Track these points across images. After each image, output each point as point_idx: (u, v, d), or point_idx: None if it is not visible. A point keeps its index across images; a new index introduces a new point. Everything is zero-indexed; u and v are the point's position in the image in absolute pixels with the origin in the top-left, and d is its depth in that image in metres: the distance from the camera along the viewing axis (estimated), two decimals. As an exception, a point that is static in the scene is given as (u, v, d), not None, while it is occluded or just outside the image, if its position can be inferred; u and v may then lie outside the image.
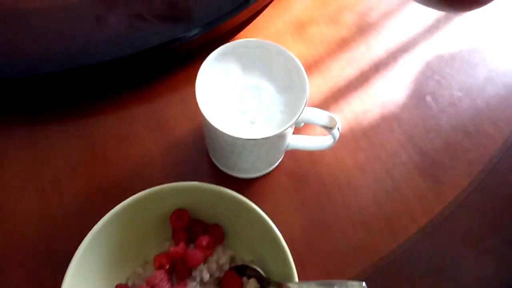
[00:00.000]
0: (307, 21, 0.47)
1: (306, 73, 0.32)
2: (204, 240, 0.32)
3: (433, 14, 0.48)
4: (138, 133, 0.40)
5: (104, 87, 0.42)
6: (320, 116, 0.31)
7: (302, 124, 0.32)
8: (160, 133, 0.41)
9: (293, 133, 0.35)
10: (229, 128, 0.30)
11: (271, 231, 0.30)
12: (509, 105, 0.43)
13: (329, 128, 0.31)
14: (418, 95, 0.43)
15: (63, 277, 0.28)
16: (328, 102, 0.43)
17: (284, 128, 0.29)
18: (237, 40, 0.33)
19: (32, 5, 0.42)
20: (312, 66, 0.45)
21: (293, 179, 0.39)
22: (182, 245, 0.32)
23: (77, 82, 0.41)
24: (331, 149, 0.36)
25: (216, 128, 0.29)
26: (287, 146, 0.36)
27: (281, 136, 0.31)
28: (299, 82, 0.31)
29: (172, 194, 0.32)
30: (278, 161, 0.38)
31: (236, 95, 0.31)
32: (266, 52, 0.33)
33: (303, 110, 0.30)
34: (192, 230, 0.33)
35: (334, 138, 0.33)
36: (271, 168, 0.38)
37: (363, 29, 0.47)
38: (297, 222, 0.37)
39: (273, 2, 0.48)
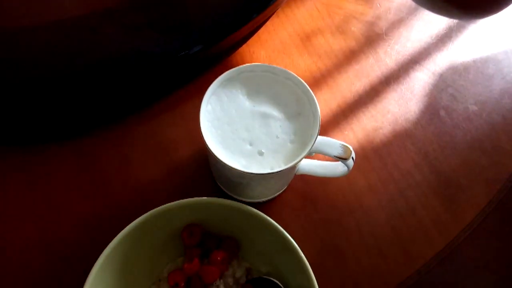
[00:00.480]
0: (313, 32, 0.46)
1: (313, 87, 0.31)
2: (219, 256, 0.31)
3: (445, 22, 0.47)
4: (138, 155, 0.39)
5: (101, 107, 0.41)
6: (333, 147, 0.30)
7: (314, 153, 0.31)
8: (161, 154, 0.39)
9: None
10: (236, 162, 0.28)
11: (288, 243, 0.30)
12: (527, 119, 0.42)
13: (343, 159, 0.30)
14: (431, 110, 0.42)
15: None
16: (337, 118, 0.41)
17: (296, 161, 0.28)
18: (243, 65, 0.31)
19: (18, 24, 0.41)
20: (319, 80, 0.43)
21: (303, 200, 0.38)
22: (196, 261, 0.31)
23: (73, 103, 0.40)
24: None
25: (223, 162, 0.28)
26: (296, 171, 0.34)
27: (292, 168, 0.30)
28: (309, 108, 0.30)
29: (183, 210, 0.31)
30: (287, 186, 0.37)
31: (243, 124, 0.30)
32: (273, 77, 0.31)
33: (314, 141, 0.28)
34: (206, 244, 0.32)
35: (348, 168, 0.31)
36: (279, 193, 0.37)
37: (371, 40, 0.46)
38: (307, 247, 0.35)
39: (276, 12, 0.47)
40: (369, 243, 0.36)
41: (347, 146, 0.30)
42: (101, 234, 0.31)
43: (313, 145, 0.29)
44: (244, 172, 0.28)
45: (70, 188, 0.37)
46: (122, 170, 0.38)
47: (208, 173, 0.38)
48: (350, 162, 0.30)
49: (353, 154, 0.31)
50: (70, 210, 0.36)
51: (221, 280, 0.31)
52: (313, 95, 0.30)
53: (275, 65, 0.31)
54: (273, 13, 0.46)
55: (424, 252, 0.36)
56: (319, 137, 0.30)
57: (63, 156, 0.39)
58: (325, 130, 0.41)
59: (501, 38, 0.46)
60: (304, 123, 0.30)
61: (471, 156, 0.40)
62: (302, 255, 0.29)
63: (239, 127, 0.30)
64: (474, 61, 0.44)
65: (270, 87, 0.31)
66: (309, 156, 0.31)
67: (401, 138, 0.40)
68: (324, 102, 0.42)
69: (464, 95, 0.43)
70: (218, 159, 0.28)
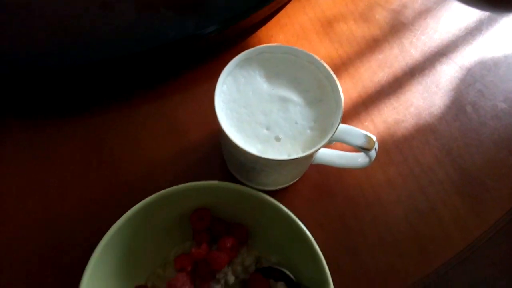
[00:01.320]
0: (335, 18, 0.45)
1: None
2: (228, 242, 0.30)
3: (476, 14, 0.45)
4: (149, 135, 0.38)
5: (111, 85, 0.40)
6: (356, 136, 0.29)
7: (334, 142, 0.30)
8: (172, 135, 0.38)
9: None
10: (251, 146, 0.27)
11: (301, 233, 0.29)
12: (559, 119, 0.40)
13: (366, 150, 0.29)
14: (457, 105, 0.41)
15: (70, 282, 0.27)
16: (357, 109, 0.40)
17: (315, 149, 0.27)
18: (262, 45, 0.30)
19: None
20: (340, 68, 0.42)
21: (317, 192, 0.37)
22: (204, 246, 0.30)
23: (82, 79, 0.39)
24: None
25: (237, 146, 0.27)
26: (313, 160, 0.34)
27: (309, 156, 0.29)
28: (331, 95, 0.29)
29: (193, 193, 0.30)
30: (302, 175, 0.36)
31: (260, 108, 0.29)
32: (294, 60, 0.30)
33: (336, 129, 0.27)
34: (215, 230, 0.32)
35: (370, 159, 0.30)
36: (293, 181, 0.36)
37: (396, 29, 0.44)
38: (321, 240, 0.34)
39: (298, -4, 0.46)
40: (386, 240, 0.35)
41: (370, 136, 0.29)
42: (106, 214, 0.30)
43: (334, 133, 0.28)
44: (259, 157, 0.27)
45: (77, 166, 0.37)
46: (130, 149, 0.38)
47: (219, 158, 0.37)
48: (373, 153, 0.29)
49: (376, 145, 0.29)
50: (75, 188, 0.36)
51: (230, 267, 0.30)
52: (336, 81, 0.29)
53: (297, 47, 0.30)
54: (294, -3, 0.45)
55: (443, 252, 0.35)
56: (341, 125, 0.29)
57: (71, 133, 0.38)
58: (344, 119, 0.39)
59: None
60: (326, 110, 0.29)
61: (498, 155, 0.38)
62: (316, 245, 0.29)
63: (255, 110, 0.29)
64: (505, 56, 0.43)
65: (291, 70, 0.30)
66: (328, 144, 0.30)
67: (424, 132, 0.39)
68: (345, 91, 0.40)
69: (493, 91, 0.41)
70: (233, 142, 0.27)
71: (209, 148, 0.38)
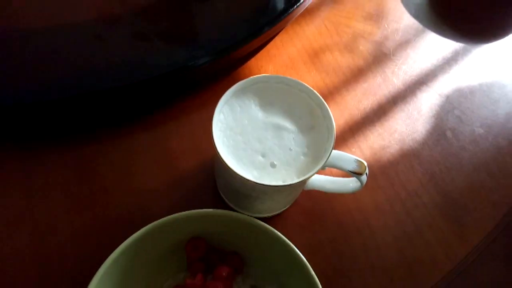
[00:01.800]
0: (321, 49, 0.47)
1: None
2: (224, 271, 0.30)
3: (451, 45, 0.48)
4: (141, 164, 0.39)
5: (104, 115, 0.41)
6: (347, 161, 0.30)
7: (326, 168, 0.31)
8: (164, 165, 0.39)
9: None
10: (248, 173, 0.28)
11: (296, 258, 0.29)
12: (532, 144, 0.43)
13: (357, 174, 0.30)
14: (438, 131, 0.43)
15: None
16: (344, 136, 0.42)
17: (309, 174, 0.28)
18: (257, 76, 0.32)
19: (28, 25, 0.41)
20: (327, 97, 0.44)
21: (309, 218, 0.38)
22: (200, 277, 0.30)
23: (75, 110, 0.40)
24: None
25: (235, 173, 0.28)
26: (306, 186, 0.35)
27: (303, 182, 0.30)
28: (323, 122, 0.31)
29: (187, 222, 0.31)
30: (294, 201, 0.38)
31: (255, 135, 0.30)
32: (287, 89, 0.32)
33: (329, 155, 0.29)
34: (209, 259, 0.32)
35: (362, 183, 0.31)
36: (285, 208, 0.37)
37: (379, 60, 0.47)
38: (312, 265, 0.35)
39: (285, 28, 0.48)
40: (376, 265, 0.36)
41: (361, 161, 0.31)
42: (99, 247, 0.30)
43: (327, 159, 0.29)
44: (256, 183, 0.28)
45: (68, 198, 0.36)
46: (122, 180, 0.38)
47: (212, 186, 0.38)
48: (364, 177, 0.31)
49: (367, 170, 0.31)
50: (67, 220, 0.35)
51: (226, 297, 0.31)
52: (328, 108, 0.31)
53: (289, 76, 0.32)
54: (282, 29, 0.48)
55: (431, 275, 0.36)
56: (333, 151, 0.30)
57: (63, 164, 0.38)
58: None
59: (506, 63, 0.48)
60: (318, 137, 0.30)
61: (478, 178, 0.41)
62: (311, 270, 0.29)
63: (251, 138, 0.30)
64: (480, 85, 0.46)
65: (284, 99, 0.32)
66: (321, 170, 0.32)
67: (408, 157, 0.41)
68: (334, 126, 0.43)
69: (470, 117, 0.44)
70: (231, 169, 0.28)
71: (202, 177, 0.39)
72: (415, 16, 0.50)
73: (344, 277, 0.35)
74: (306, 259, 0.35)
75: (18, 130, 0.39)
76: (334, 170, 0.37)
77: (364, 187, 0.39)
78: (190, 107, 0.42)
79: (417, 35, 0.49)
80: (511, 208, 0.39)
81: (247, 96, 0.32)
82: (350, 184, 0.33)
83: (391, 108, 0.44)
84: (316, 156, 0.30)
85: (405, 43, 0.48)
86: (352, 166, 0.30)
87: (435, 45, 0.48)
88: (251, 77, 0.32)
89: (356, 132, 0.42)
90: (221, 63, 0.43)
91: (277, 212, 0.37)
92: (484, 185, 0.40)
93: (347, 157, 0.31)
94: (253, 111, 0.31)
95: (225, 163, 0.28)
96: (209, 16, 0.44)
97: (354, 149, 0.41)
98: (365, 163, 0.30)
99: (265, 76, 0.32)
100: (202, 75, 0.43)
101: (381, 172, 0.40)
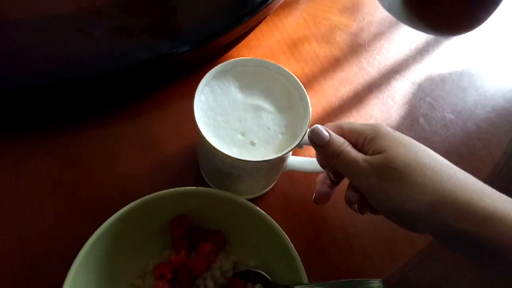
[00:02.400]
0: (299, 39, 0.49)
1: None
2: (206, 247, 0.31)
3: (423, 37, 0.51)
4: (125, 151, 0.39)
5: (89, 102, 0.41)
6: (320, 136, 0.31)
7: (304, 146, 0.32)
8: (148, 151, 0.39)
9: (292, 154, 0.35)
10: (229, 151, 0.29)
11: (276, 233, 0.30)
12: (499, 129, 0.45)
13: None
14: (411, 117, 0.45)
15: None
16: (322, 122, 0.43)
17: (287, 151, 0.29)
18: (236, 59, 0.32)
19: (14, 16, 0.41)
20: (305, 85, 0.44)
21: (289, 200, 0.39)
22: (183, 252, 0.31)
23: (61, 96, 0.40)
24: (328, 170, 0.36)
25: (216, 149, 0.28)
26: (284, 167, 0.36)
27: (282, 159, 0.31)
28: (300, 103, 0.32)
29: (170, 200, 0.31)
30: (274, 183, 0.38)
31: (235, 116, 0.31)
32: (265, 71, 0.33)
33: (305, 132, 0.30)
34: (193, 238, 0.33)
35: None
36: (266, 190, 0.38)
37: (355, 50, 0.49)
38: (294, 246, 0.36)
39: (265, 20, 0.49)
40: (353, 242, 0.37)
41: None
42: (83, 229, 0.30)
43: (303, 136, 0.30)
44: (236, 159, 0.28)
45: (53, 182, 0.37)
46: (107, 165, 0.38)
47: (195, 169, 0.39)
48: None
49: None
50: (51, 203, 0.36)
51: (208, 273, 0.31)
52: (304, 89, 0.32)
53: (267, 60, 0.33)
54: (261, 21, 0.49)
55: (406, 252, 0.37)
56: (309, 129, 0.31)
57: (48, 150, 0.38)
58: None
59: (473, 54, 0.50)
60: (295, 117, 0.31)
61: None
62: (290, 243, 0.30)
63: (231, 118, 0.31)
64: (450, 74, 0.48)
65: (262, 81, 0.33)
66: (299, 148, 0.33)
67: (384, 142, 0.43)
68: (311, 106, 0.44)
69: (441, 104, 0.46)
70: (212, 146, 0.29)
71: (185, 161, 0.39)
72: (389, 9, 0.52)
73: (324, 255, 0.36)
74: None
75: (5, 118, 0.39)
76: (313, 152, 0.38)
77: (342, 170, 0.40)
78: (174, 96, 0.43)
79: (390, 27, 0.51)
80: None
81: (227, 79, 0.32)
82: None
83: (366, 96, 0.45)
84: (293, 134, 0.31)
85: (379, 35, 0.50)
86: None
87: (408, 37, 0.50)
88: (231, 60, 0.32)
89: (333, 118, 0.44)
90: (202, 52, 0.43)
91: (258, 194, 0.38)
92: (454, 167, 0.42)
93: (322, 133, 0.31)
94: (233, 93, 0.32)
95: (207, 141, 0.29)
96: (190, 7, 0.45)
97: (332, 135, 0.42)
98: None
99: (243, 59, 0.33)
100: (184, 64, 0.44)
101: (358, 156, 0.41)
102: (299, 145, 0.31)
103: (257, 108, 0.32)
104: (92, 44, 0.41)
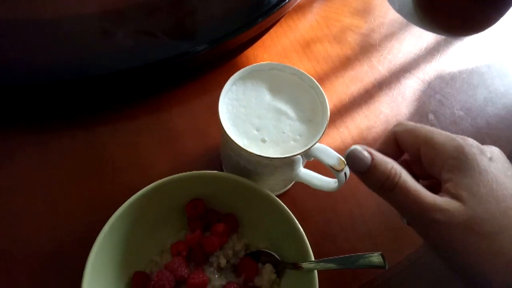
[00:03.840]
0: (312, 40, 0.50)
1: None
2: (219, 227, 0.33)
3: (434, 37, 0.51)
4: (146, 143, 0.41)
5: (114, 97, 0.44)
6: (329, 156, 0.31)
7: (312, 158, 0.33)
8: (168, 143, 0.41)
9: (305, 166, 0.36)
10: (240, 140, 0.30)
11: (284, 214, 0.31)
12: (509, 125, 0.45)
13: (336, 171, 0.31)
14: (420, 113, 0.45)
15: (72, 276, 0.28)
16: (333, 118, 0.44)
17: (289, 155, 0.30)
18: (274, 63, 0.34)
19: (45, 17, 0.45)
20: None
21: (300, 190, 0.40)
22: (198, 232, 0.33)
23: (87, 90, 0.42)
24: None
25: (227, 134, 0.30)
26: (295, 176, 0.36)
27: (286, 163, 0.31)
28: (320, 118, 0.32)
29: (187, 183, 0.33)
30: (283, 190, 0.39)
31: (257, 111, 0.32)
32: (298, 81, 0.34)
33: (313, 145, 0.31)
34: (207, 219, 0.34)
35: (340, 182, 0.32)
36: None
37: (366, 50, 0.50)
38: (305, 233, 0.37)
39: (279, 22, 0.51)
40: (361, 230, 0.38)
41: (342, 160, 0.31)
42: (105, 212, 0.31)
43: (311, 147, 0.31)
44: (241, 147, 0.30)
45: (78, 169, 0.39)
46: (129, 155, 0.40)
47: (211, 157, 0.40)
48: (342, 175, 0.32)
49: (347, 170, 0.32)
50: (77, 189, 0.38)
51: (221, 252, 0.32)
52: (328, 107, 0.32)
53: (304, 71, 0.33)
54: (275, 22, 0.51)
55: (414, 240, 0.38)
56: (319, 144, 0.32)
57: (75, 140, 0.41)
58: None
59: (484, 53, 0.50)
60: (312, 129, 0.32)
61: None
62: (298, 225, 0.31)
63: (252, 113, 0.32)
64: (460, 72, 0.48)
65: (293, 89, 0.33)
66: (308, 160, 0.33)
67: (393, 136, 0.43)
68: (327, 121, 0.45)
69: (451, 101, 0.46)
70: (225, 132, 0.30)
71: (201, 151, 0.41)
72: (399, 11, 0.53)
73: (332, 242, 0.37)
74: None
75: (38, 109, 0.42)
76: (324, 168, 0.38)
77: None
78: (192, 92, 0.45)
79: (401, 28, 0.52)
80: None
81: (261, 79, 0.34)
82: (334, 183, 0.34)
83: (376, 93, 0.46)
84: (304, 144, 0.31)
85: (390, 35, 0.51)
86: (332, 162, 0.31)
87: (418, 37, 0.51)
88: (268, 62, 0.34)
89: (344, 114, 0.45)
90: (219, 51, 0.45)
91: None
92: (463, 161, 0.42)
93: (330, 152, 0.32)
94: (263, 92, 0.33)
95: (221, 125, 0.31)
96: (207, 8, 0.47)
97: (342, 129, 0.44)
98: (345, 162, 0.31)
99: (282, 65, 0.34)
100: (201, 62, 0.46)
101: (367, 149, 0.42)
102: (307, 157, 0.32)
103: (280, 112, 0.33)
104: (116, 43, 0.44)
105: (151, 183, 0.38)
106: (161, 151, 0.41)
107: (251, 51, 0.49)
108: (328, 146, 0.34)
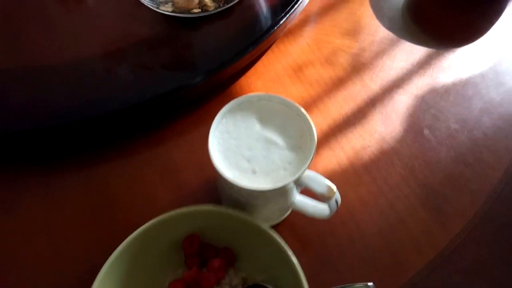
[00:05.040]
0: (304, 63, 0.49)
1: (306, 112, 0.32)
2: (216, 262, 0.32)
3: (425, 51, 0.49)
4: (147, 177, 0.41)
5: (114, 134, 0.44)
6: (319, 183, 0.31)
7: (304, 186, 0.32)
8: (168, 176, 0.41)
9: (303, 192, 0.35)
10: (230, 173, 0.30)
11: (278, 247, 0.30)
12: (507, 135, 0.42)
13: (326, 198, 0.31)
14: (415, 129, 0.43)
15: None
16: (328, 139, 0.43)
17: (279, 185, 0.29)
18: (263, 93, 0.33)
19: (48, 62, 0.46)
20: (311, 105, 0.46)
21: (298, 216, 0.39)
22: (195, 269, 0.32)
23: (89, 131, 0.43)
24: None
25: (218, 168, 0.30)
26: (291, 204, 0.36)
27: (278, 192, 0.31)
28: (308, 145, 0.32)
29: (183, 219, 0.32)
30: (279, 219, 0.38)
31: (248, 142, 0.32)
32: (286, 110, 0.33)
33: (303, 172, 0.30)
34: (204, 254, 0.33)
35: (331, 209, 0.32)
36: (270, 224, 0.38)
37: (358, 69, 0.48)
38: (302, 259, 0.35)
39: (271, 48, 0.51)
40: (362, 255, 0.36)
41: (331, 187, 0.31)
42: (106, 250, 0.31)
43: (300, 176, 0.30)
44: (233, 183, 0.29)
45: (79, 207, 0.39)
46: (130, 192, 0.40)
47: (209, 190, 0.40)
48: (333, 203, 0.31)
49: (338, 198, 0.31)
50: (80, 228, 0.38)
51: (218, 287, 0.32)
52: (315, 133, 0.31)
53: (291, 100, 0.33)
54: (266, 49, 0.50)
55: (415, 262, 0.36)
56: (310, 172, 0.31)
57: (77, 179, 0.41)
58: (317, 149, 0.42)
59: (477, 64, 0.48)
60: (301, 157, 0.31)
61: (456, 169, 0.41)
62: (295, 259, 0.30)
63: (243, 144, 0.32)
64: (454, 85, 0.47)
65: (282, 118, 0.33)
66: (300, 188, 0.32)
67: (388, 155, 0.42)
68: (316, 124, 0.43)
69: (445, 115, 0.44)
70: (215, 164, 0.30)
71: (200, 183, 0.41)
72: (390, 28, 0.51)
73: (333, 269, 0.36)
74: (296, 252, 0.36)
75: (40, 150, 0.43)
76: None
77: (348, 184, 0.40)
78: (189, 124, 0.45)
79: (392, 44, 0.50)
80: (489, 196, 0.39)
81: (251, 109, 0.33)
82: (326, 210, 0.34)
83: (370, 111, 0.45)
84: (293, 173, 0.31)
85: (381, 53, 0.50)
86: (322, 189, 0.31)
87: (409, 53, 0.49)
88: (257, 93, 0.34)
89: (338, 135, 0.44)
90: (213, 82, 0.45)
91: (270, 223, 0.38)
92: (462, 175, 0.40)
93: (320, 179, 0.31)
94: (252, 123, 0.33)
95: (212, 159, 0.30)
96: (199, 43, 0.47)
97: (337, 150, 0.42)
98: (335, 189, 0.31)
99: (269, 95, 0.33)
100: (197, 94, 0.46)
101: (364, 169, 0.41)
102: (299, 185, 0.31)
103: (269, 141, 0.32)
104: (115, 82, 0.44)
105: (151, 219, 0.38)
106: (162, 185, 0.41)
107: (244, 79, 0.48)
108: (324, 169, 0.34)
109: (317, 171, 0.40)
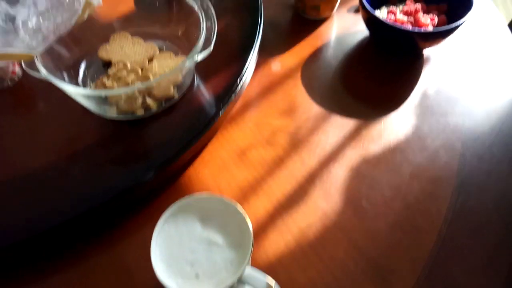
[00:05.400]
0: (247, 147, 0.52)
1: (251, 194, 0.34)
2: None
3: (354, 123, 0.54)
4: (99, 283, 0.41)
5: (63, 243, 0.43)
6: (259, 281, 0.32)
7: (245, 283, 0.33)
8: (122, 279, 0.41)
9: None
10: (173, 281, 0.30)
11: None
12: (437, 198, 0.46)
13: None
14: (354, 201, 0.46)
15: None
16: (275, 220, 0.45)
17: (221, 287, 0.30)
18: (200, 196, 0.35)
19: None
20: (256, 188, 0.48)
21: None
22: None
23: (42, 243, 0.43)
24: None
25: (159, 276, 0.30)
26: None
27: None
28: (247, 242, 0.33)
29: None
30: None
31: (189, 246, 0.33)
32: (225, 208, 0.35)
33: (242, 271, 0.31)
34: None
35: None
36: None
37: (296, 147, 0.51)
38: None
39: (216, 136, 0.53)
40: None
41: (270, 285, 0.32)
42: None
43: (241, 274, 0.31)
44: None
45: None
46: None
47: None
48: None
49: None
50: None
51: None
52: (251, 231, 0.33)
53: (228, 199, 0.35)
54: (212, 137, 0.53)
55: (405, 277, 0.37)
56: (250, 269, 0.32)
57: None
58: (264, 231, 0.44)
59: (402, 130, 0.52)
60: (242, 255, 0.32)
61: (394, 238, 0.43)
62: None
63: (185, 248, 0.33)
64: (384, 153, 0.50)
65: (222, 216, 0.34)
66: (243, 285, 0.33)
67: (332, 230, 0.43)
68: (262, 206, 0.46)
69: (379, 183, 0.47)
70: (157, 275, 0.30)
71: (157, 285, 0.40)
72: (321, 104, 0.56)
73: None
74: None
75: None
76: None
77: (297, 266, 0.41)
78: (141, 221, 0.45)
79: (324, 119, 0.54)
80: (427, 260, 0.41)
81: (191, 211, 0.35)
82: None
83: (311, 188, 0.47)
84: (234, 272, 0.32)
85: (315, 129, 0.53)
86: (261, 286, 0.32)
87: (341, 126, 0.53)
88: (196, 195, 0.35)
89: (284, 215, 0.45)
90: (162, 176, 0.47)
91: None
92: (401, 244, 0.42)
93: (258, 277, 0.32)
94: (194, 225, 0.34)
95: (154, 268, 0.31)
96: (147, 140, 0.50)
97: (285, 233, 0.44)
98: (274, 286, 0.32)
99: (207, 196, 0.35)
100: (148, 190, 0.47)
101: (310, 248, 0.42)
102: (240, 284, 0.32)
103: (211, 242, 0.33)
104: (68, 184, 0.45)
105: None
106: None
107: (192, 169, 0.50)
108: (273, 253, 0.34)
109: (267, 256, 0.41)
